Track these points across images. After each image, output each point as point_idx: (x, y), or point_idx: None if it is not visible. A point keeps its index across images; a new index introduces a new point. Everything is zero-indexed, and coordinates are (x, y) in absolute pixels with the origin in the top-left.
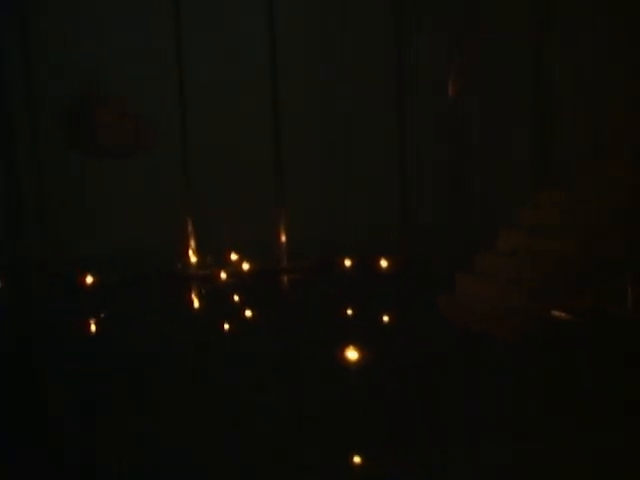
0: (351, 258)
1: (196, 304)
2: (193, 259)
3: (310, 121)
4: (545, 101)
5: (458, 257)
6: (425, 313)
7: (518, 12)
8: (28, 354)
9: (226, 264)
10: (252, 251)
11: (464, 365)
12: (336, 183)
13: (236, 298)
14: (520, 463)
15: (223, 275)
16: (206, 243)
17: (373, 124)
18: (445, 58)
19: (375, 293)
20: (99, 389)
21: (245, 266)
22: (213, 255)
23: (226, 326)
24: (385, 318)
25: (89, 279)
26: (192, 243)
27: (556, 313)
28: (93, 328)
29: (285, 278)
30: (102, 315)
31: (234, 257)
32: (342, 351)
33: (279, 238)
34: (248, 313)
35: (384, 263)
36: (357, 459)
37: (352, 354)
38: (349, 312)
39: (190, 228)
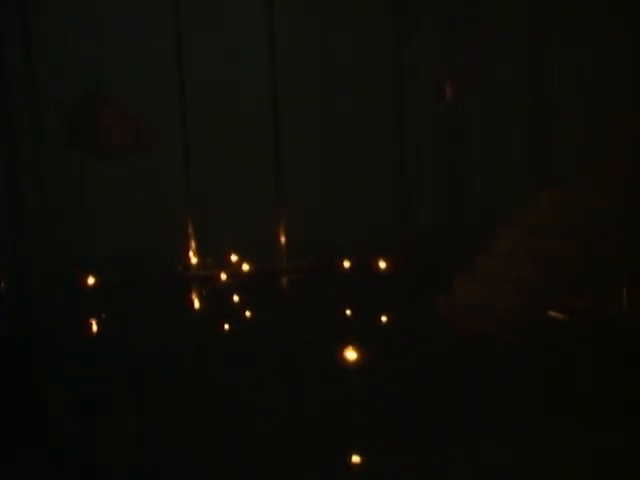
0: (351, 258)
1: (196, 305)
2: (193, 260)
3: (310, 121)
4: (544, 101)
5: (458, 257)
6: (425, 313)
7: (518, 12)
8: (28, 354)
9: (226, 265)
10: (252, 251)
11: (464, 365)
12: (336, 183)
13: (236, 299)
14: (520, 463)
15: (223, 276)
16: (206, 243)
17: (373, 124)
18: (445, 58)
19: (375, 293)
20: (99, 389)
21: (245, 267)
22: (213, 256)
23: (226, 326)
24: (385, 318)
25: (89, 279)
26: (192, 244)
27: (555, 313)
28: (93, 328)
29: (285, 279)
30: (102, 315)
31: (234, 258)
32: (342, 351)
33: (279, 238)
34: (248, 314)
35: (384, 263)
36: (357, 459)
37: (352, 354)
38: (349, 312)
39: (190, 229)
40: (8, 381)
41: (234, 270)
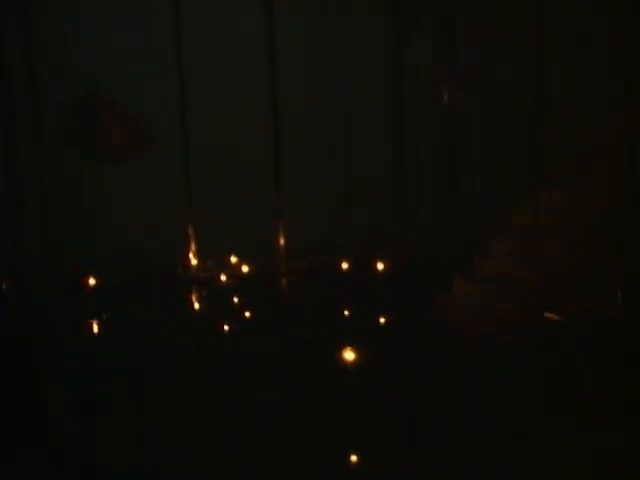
0: (351, 259)
1: (196, 305)
2: (193, 261)
3: (309, 121)
4: (544, 101)
5: (457, 257)
6: (424, 314)
7: (518, 11)
8: (28, 354)
9: (226, 266)
10: (251, 251)
11: (464, 365)
12: (336, 183)
13: (236, 299)
14: (520, 463)
15: (223, 277)
16: (206, 243)
17: (373, 124)
18: (445, 58)
19: (374, 293)
20: (99, 389)
21: (245, 268)
22: (213, 257)
23: (226, 327)
24: (384, 318)
25: (89, 279)
26: (192, 244)
27: (555, 313)
28: (93, 328)
29: (285, 280)
30: (102, 315)
31: (234, 259)
32: (342, 351)
33: (278, 238)
34: (248, 314)
35: (384, 263)
36: (357, 459)
37: (352, 354)
38: (349, 313)
39: (190, 229)
40: (8, 381)
41: (234, 271)
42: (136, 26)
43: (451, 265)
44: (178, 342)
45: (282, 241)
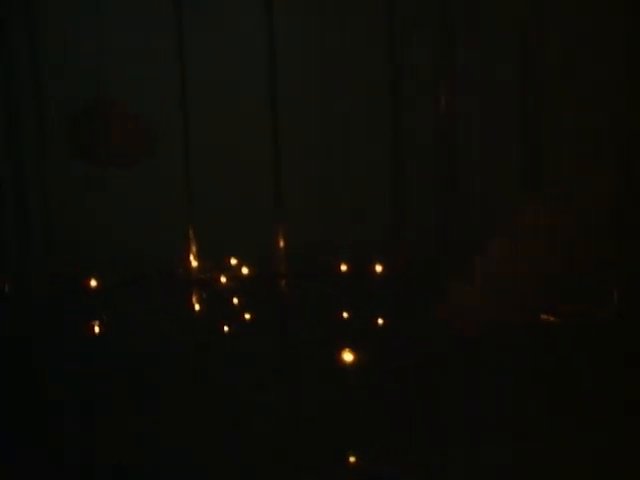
0: (350, 259)
1: (196, 306)
2: (193, 262)
3: (309, 121)
4: (543, 102)
5: (456, 258)
6: (423, 315)
7: (517, 11)
8: (28, 354)
9: (226, 268)
10: (251, 253)
11: (464, 366)
12: (335, 183)
13: (235, 301)
14: (520, 463)
15: (223, 278)
16: (206, 244)
17: (372, 124)
18: (444, 57)
19: (374, 294)
20: (99, 389)
21: (245, 270)
22: (213, 258)
23: (225, 327)
24: (384, 320)
25: (89, 280)
26: (192, 245)
27: (553, 315)
28: (93, 328)
29: (284, 281)
30: (102, 316)
31: (234, 261)
32: (341, 352)
33: (278, 239)
34: (247, 315)
35: (383, 264)
36: (356, 459)
37: (351, 354)
38: (348, 314)
39: (190, 230)
40: (8, 381)
41: (233, 272)
42: (137, 26)
43: (450, 265)
44: (178, 342)
45: (281, 241)
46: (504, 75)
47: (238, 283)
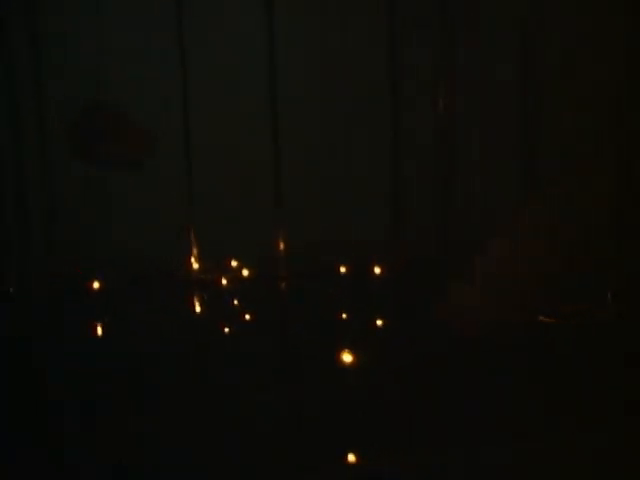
0: (350, 259)
1: (196, 306)
2: (194, 262)
3: (309, 122)
4: (543, 102)
5: (456, 258)
6: (423, 315)
7: (516, 11)
8: (28, 354)
9: (226, 269)
10: (251, 253)
11: (464, 366)
12: (335, 184)
13: (236, 302)
14: (520, 463)
15: (223, 279)
16: (206, 245)
17: (373, 124)
18: (444, 57)
19: (374, 294)
20: (99, 389)
21: (245, 271)
22: (214, 258)
23: (226, 328)
24: (384, 320)
25: (90, 280)
26: (193, 246)
27: (551, 316)
28: (93, 328)
29: (285, 282)
30: (102, 316)
31: (234, 262)
32: (342, 352)
33: (278, 239)
34: (248, 315)
35: (383, 264)
36: (357, 459)
37: (352, 355)
38: (349, 314)
39: (191, 230)
40: (8, 381)
41: (234, 272)
42: (137, 26)
43: (450, 265)
44: (178, 342)
45: (282, 241)
46: (504, 75)
47: (238, 283)
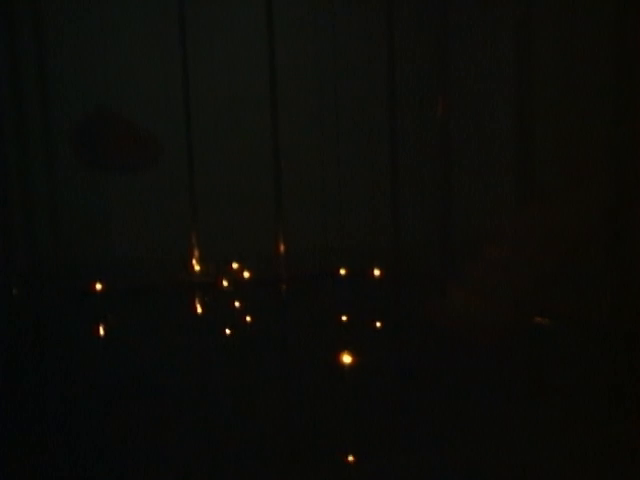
0: (349, 265)
1: (198, 310)
2: (197, 267)
3: (309, 122)
4: (539, 107)
5: (451, 264)
6: (423, 316)
7: (516, 11)
8: (30, 356)
9: (228, 272)
10: (251, 256)
11: (463, 366)
12: (334, 189)
13: (237, 304)
14: (520, 463)
15: (225, 282)
16: (207, 248)
17: (372, 131)
18: (443, 59)
19: (371, 299)
20: (99, 390)
21: (246, 274)
22: (215, 262)
23: (227, 330)
24: (384, 321)
25: (93, 283)
26: (194, 250)
27: (547, 319)
28: (96, 331)
29: (284, 286)
30: (104, 318)
31: (235, 265)
32: (342, 354)
33: (278, 244)
34: (249, 318)
35: (382, 266)
36: (356, 459)
37: (351, 357)
38: (349, 315)
39: (193, 235)
40: (8, 381)
41: (235, 276)
42: (140, 28)
43: (450, 266)
44: (178, 343)
45: (281, 246)
46: (504, 75)
47: (239, 285)
